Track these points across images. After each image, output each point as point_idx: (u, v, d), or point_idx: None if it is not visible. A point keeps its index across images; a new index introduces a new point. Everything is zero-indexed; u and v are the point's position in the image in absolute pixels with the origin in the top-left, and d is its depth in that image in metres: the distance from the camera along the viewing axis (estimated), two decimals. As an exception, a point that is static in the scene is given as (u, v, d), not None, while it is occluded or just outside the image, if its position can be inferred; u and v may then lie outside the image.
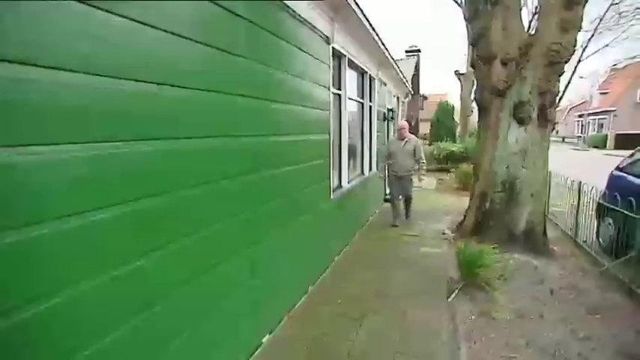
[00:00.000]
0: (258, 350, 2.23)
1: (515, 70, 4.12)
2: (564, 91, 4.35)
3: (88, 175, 1.13)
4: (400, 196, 5.30)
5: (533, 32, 4.35)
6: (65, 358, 1.05)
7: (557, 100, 4.22)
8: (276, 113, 2.43)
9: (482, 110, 4.68)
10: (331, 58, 3.56)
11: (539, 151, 4.25)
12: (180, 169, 1.54)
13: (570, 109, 37.78)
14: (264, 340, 2.32)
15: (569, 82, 4.00)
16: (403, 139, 5.07)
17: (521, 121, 4.20)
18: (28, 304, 0.96)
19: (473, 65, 4.90)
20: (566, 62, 3.98)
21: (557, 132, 31.05)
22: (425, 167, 5.19)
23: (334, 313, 2.69)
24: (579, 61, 9.90)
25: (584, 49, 9.90)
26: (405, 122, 5.47)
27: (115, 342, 1.21)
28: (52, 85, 1.02)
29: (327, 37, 3.40)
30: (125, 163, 1.26)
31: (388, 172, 5.35)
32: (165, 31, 1.42)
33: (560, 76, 4.08)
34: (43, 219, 0.99)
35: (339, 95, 4.15)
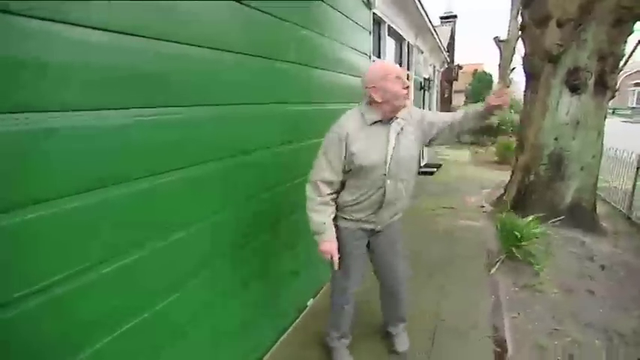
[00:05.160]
0: (304, 312, 2.35)
1: (573, 32, 3.75)
2: (631, 54, 3.89)
3: (138, 141, 1.13)
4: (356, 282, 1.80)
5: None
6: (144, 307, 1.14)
7: (619, 65, 3.82)
8: (318, 80, 2.39)
9: (531, 79, 4.35)
10: (372, 23, 3.41)
11: (594, 122, 3.94)
12: (226, 136, 1.54)
13: (625, 76, 34.25)
14: (308, 303, 2.43)
15: (638, 44, 3.56)
16: (390, 119, 1.55)
17: (574, 89, 3.88)
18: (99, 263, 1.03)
19: (523, 28, 4.52)
20: (637, 20, 3.55)
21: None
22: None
23: (373, 281, 2.73)
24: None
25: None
26: (393, 66, 1.55)
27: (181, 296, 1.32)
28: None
29: (368, 1, 3.24)
30: (171, 129, 1.24)
31: (340, 218, 1.65)
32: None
33: (628, 36, 3.66)
34: (110, 181, 1.03)
35: (378, 63, 4.00)
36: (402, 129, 1.58)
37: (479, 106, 1.63)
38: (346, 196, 1.60)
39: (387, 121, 1.55)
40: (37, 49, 0.84)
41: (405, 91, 1.50)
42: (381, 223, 1.67)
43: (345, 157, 1.51)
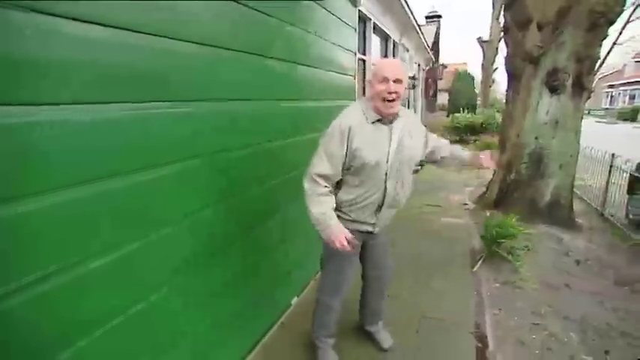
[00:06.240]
0: (289, 310, 2.33)
1: (552, 35, 3.85)
2: (605, 57, 4.05)
3: (137, 136, 1.14)
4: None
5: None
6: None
7: (595, 67, 3.96)
8: (306, 77, 2.37)
9: (513, 79, 4.45)
10: (357, 21, 3.40)
11: (572, 122, 4.06)
12: (221, 132, 1.54)
13: (599, 78, 35.74)
14: (292, 301, 2.42)
15: (612, 47, 3.70)
16: (391, 118, 1.49)
17: (553, 90, 3.99)
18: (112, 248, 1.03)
19: (505, 30, 4.62)
20: (610, 24, 3.69)
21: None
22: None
23: (358, 281, 2.74)
24: (628, 21, 8.89)
25: (635, 9, 8.85)
26: (384, 66, 1.45)
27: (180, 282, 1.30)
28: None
29: (353, -2, 3.23)
30: (165, 125, 1.25)
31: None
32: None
33: (602, 40, 3.80)
34: (105, 175, 1.04)
35: (364, 61, 4.01)
36: (408, 131, 1.54)
37: (465, 153, 1.80)
38: (343, 196, 1.51)
39: (387, 121, 1.48)
40: (35, 45, 0.84)
41: (388, 96, 1.41)
42: (379, 226, 1.62)
43: (346, 152, 1.42)
